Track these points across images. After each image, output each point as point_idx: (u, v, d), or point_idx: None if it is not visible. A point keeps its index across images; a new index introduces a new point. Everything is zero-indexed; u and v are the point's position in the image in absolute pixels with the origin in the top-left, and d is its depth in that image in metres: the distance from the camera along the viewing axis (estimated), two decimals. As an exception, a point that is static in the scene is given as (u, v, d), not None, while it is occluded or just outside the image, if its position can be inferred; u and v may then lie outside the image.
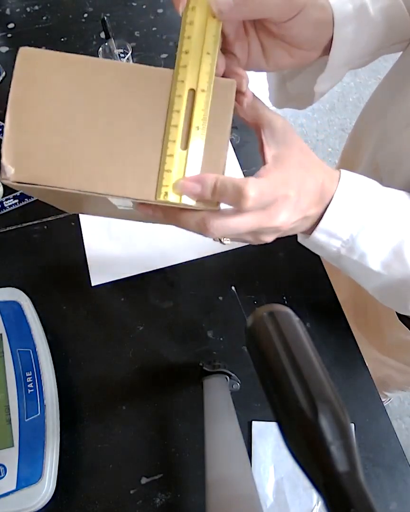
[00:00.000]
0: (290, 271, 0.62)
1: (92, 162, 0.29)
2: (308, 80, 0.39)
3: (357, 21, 0.33)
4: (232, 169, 0.69)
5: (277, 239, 0.34)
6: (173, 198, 0.29)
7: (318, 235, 0.33)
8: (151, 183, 0.29)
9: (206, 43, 0.29)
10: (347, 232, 0.33)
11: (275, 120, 0.31)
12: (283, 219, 0.31)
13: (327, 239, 0.34)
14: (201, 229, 0.30)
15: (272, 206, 0.29)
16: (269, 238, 0.33)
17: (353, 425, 0.53)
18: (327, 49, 0.34)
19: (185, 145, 0.29)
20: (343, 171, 0.33)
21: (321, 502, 0.46)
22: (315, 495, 0.50)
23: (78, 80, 0.29)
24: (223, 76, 0.31)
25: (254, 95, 0.32)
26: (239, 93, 0.30)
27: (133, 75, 0.29)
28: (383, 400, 0.60)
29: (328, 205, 0.32)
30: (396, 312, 0.61)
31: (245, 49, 0.33)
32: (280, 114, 0.33)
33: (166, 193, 0.29)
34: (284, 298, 0.60)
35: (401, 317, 0.61)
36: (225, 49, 0.32)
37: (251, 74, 0.34)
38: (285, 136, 0.31)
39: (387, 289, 0.37)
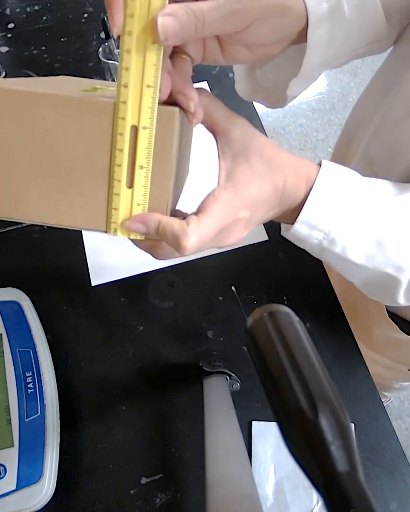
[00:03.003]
0: (290, 271, 0.62)
1: (41, 197, 0.30)
2: (279, 69, 0.38)
3: (331, 21, 0.32)
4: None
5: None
6: (122, 233, 0.30)
7: (299, 227, 0.33)
8: (101, 217, 0.30)
9: (146, 74, 0.26)
10: (328, 223, 0.32)
11: (231, 129, 0.30)
12: (233, 240, 0.31)
13: (308, 231, 0.33)
14: (151, 254, 0.32)
15: (219, 235, 0.30)
16: (224, 247, 0.34)
17: (353, 425, 0.53)
18: (295, 41, 0.32)
19: (131, 184, 0.29)
20: (324, 161, 0.33)
21: (321, 502, 0.46)
22: (315, 495, 0.50)
23: (16, 115, 0.28)
24: (168, 98, 0.29)
25: (211, 99, 0.30)
26: (188, 113, 0.29)
27: (74, 108, 0.27)
28: (383, 400, 0.60)
29: (305, 199, 0.32)
30: (386, 309, 0.61)
31: (200, 46, 0.31)
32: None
33: (115, 230, 0.30)
34: (284, 298, 0.60)
35: (390, 314, 0.61)
36: (177, 48, 0.30)
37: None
38: (242, 144, 0.30)
39: (372, 282, 0.37)
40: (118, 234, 0.30)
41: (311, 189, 0.32)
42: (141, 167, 0.28)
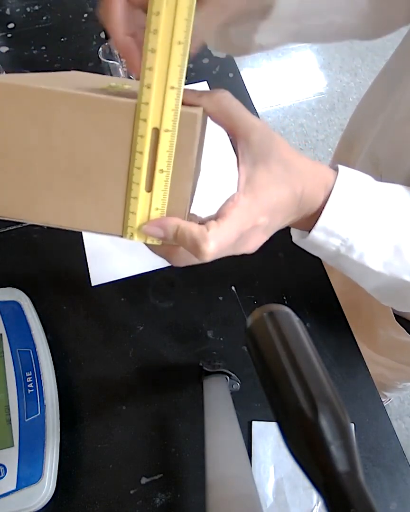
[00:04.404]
0: (290, 271, 0.62)
1: (56, 198, 0.29)
2: (254, 28, 0.36)
3: None
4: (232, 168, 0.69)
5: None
6: (139, 238, 0.30)
7: (317, 233, 0.33)
8: (118, 220, 0.29)
9: (170, 76, 0.25)
10: (346, 230, 0.32)
11: (252, 133, 0.29)
12: (251, 246, 0.31)
13: (325, 238, 0.33)
14: (166, 260, 0.31)
15: (238, 241, 0.30)
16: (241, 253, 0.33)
17: (353, 425, 0.53)
18: None
19: (150, 187, 0.28)
20: (341, 167, 0.33)
21: (321, 502, 0.46)
22: (315, 495, 0.50)
23: (34, 114, 0.27)
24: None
25: (230, 99, 0.30)
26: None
27: (93, 108, 0.27)
28: (383, 400, 0.60)
29: (323, 205, 0.32)
30: (394, 313, 0.61)
31: None
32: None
33: (132, 234, 0.30)
34: (284, 298, 0.60)
35: (398, 318, 0.60)
36: None
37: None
38: (261, 148, 0.30)
39: (387, 289, 0.37)
40: (135, 239, 0.30)
41: (329, 196, 0.31)
42: (162, 171, 0.27)
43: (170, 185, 0.28)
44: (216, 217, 0.29)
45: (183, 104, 0.27)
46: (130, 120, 0.27)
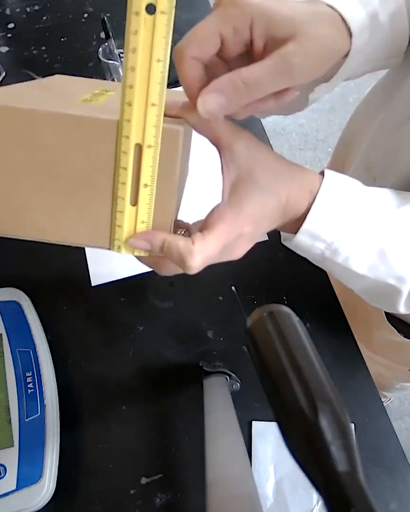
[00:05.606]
0: (290, 271, 0.62)
1: (44, 214, 0.30)
2: (309, 89, 0.37)
3: (370, 29, 0.30)
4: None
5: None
6: (126, 250, 0.30)
7: (301, 237, 0.33)
8: (105, 234, 0.30)
9: (151, 93, 0.25)
10: (331, 234, 0.32)
11: (235, 143, 0.29)
12: (237, 255, 0.32)
13: (310, 242, 0.33)
14: (154, 270, 0.32)
15: (223, 250, 0.30)
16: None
17: (353, 425, 0.53)
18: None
19: (135, 201, 0.29)
20: (327, 171, 0.33)
21: (321, 502, 0.46)
22: (315, 495, 0.50)
23: (18, 133, 0.27)
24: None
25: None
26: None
27: (77, 126, 0.27)
28: (383, 400, 0.60)
29: (308, 210, 0.32)
30: (385, 313, 0.61)
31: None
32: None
33: (119, 247, 0.30)
34: (284, 298, 0.60)
35: (390, 318, 0.60)
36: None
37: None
38: (247, 158, 0.30)
39: (373, 291, 0.37)
40: (122, 251, 0.30)
41: (314, 200, 0.32)
42: (146, 185, 0.28)
43: (155, 199, 0.29)
44: (201, 228, 0.29)
45: (166, 116, 0.28)
46: (113, 137, 0.27)
